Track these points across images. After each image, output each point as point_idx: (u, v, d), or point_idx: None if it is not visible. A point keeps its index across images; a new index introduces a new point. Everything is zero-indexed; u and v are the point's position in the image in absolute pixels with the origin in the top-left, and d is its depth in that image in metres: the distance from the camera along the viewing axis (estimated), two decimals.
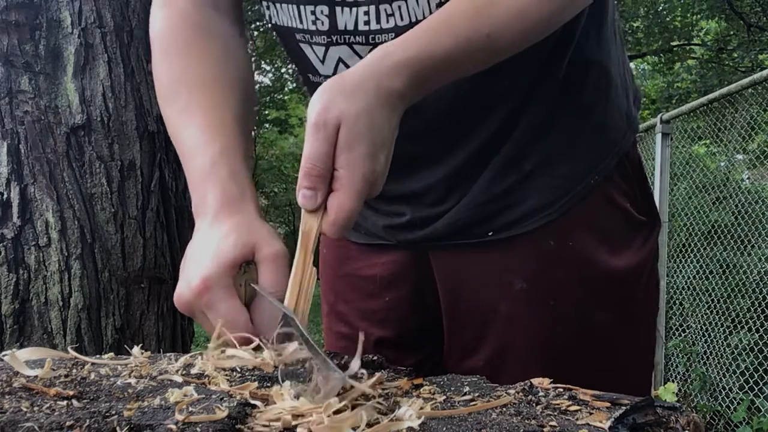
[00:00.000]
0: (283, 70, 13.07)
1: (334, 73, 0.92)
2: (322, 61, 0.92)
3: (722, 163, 4.62)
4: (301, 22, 0.90)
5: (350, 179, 0.68)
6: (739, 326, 4.02)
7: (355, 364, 0.60)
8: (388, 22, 0.86)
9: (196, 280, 0.71)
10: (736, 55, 9.66)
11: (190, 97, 0.86)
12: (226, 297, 0.71)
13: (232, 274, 0.72)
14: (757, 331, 3.84)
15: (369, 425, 0.50)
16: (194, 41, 0.90)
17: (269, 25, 0.95)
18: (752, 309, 3.93)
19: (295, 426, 0.49)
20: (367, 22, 0.87)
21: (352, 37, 0.88)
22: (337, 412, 0.52)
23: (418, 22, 0.84)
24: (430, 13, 0.84)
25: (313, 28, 0.89)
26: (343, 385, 0.56)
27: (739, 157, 4.60)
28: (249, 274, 0.73)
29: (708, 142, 4.54)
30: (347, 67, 0.90)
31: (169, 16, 0.93)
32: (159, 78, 0.91)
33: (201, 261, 0.72)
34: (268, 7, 0.93)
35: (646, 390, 1.04)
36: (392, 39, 0.86)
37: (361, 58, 0.89)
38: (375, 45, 0.87)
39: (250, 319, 0.71)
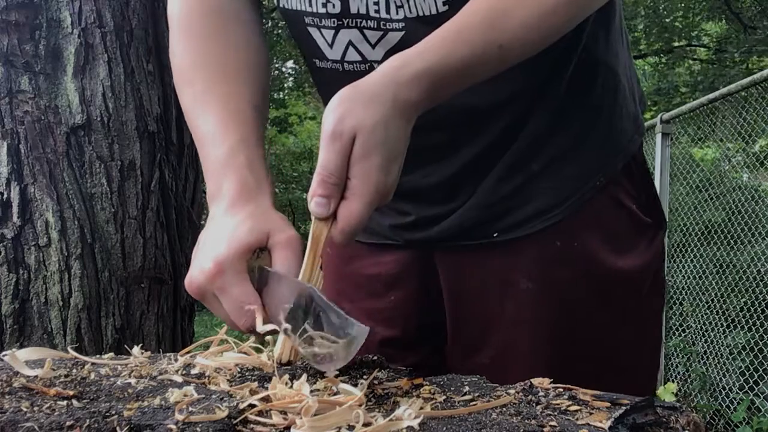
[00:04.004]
0: (283, 69, 13.06)
1: (343, 57, 0.92)
2: (331, 45, 0.92)
3: (723, 164, 4.62)
4: (311, 5, 0.90)
5: (362, 189, 0.69)
6: (739, 326, 4.02)
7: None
8: (397, 13, 0.87)
9: (209, 264, 0.71)
10: (737, 58, 9.64)
11: (208, 82, 0.87)
12: (238, 281, 0.71)
13: (245, 258, 0.72)
14: (757, 330, 3.84)
15: (366, 425, 0.50)
16: (213, 24, 0.91)
17: (279, 10, 0.95)
18: (751, 308, 3.93)
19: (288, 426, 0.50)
20: (377, 11, 0.87)
21: (363, 21, 0.88)
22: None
23: (425, 16, 0.85)
24: (437, 8, 0.85)
25: (323, 11, 0.89)
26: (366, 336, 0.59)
27: (738, 157, 4.60)
28: (262, 260, 0.74)
29: (705, 140, 4.53)
30: (356, 50, 0.91)
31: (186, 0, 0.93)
32: (176, 61, 0.91)
33: (215, 245, 0.73)
34: None
35: (650, 391, 1.04)
36: (401, 29, 0.87)
37: (370, 43, 0.90)
38: (385, 31, 0.88)
39: (262, 304, 0.71)
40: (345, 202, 0.70)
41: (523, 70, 0.86)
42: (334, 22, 0.89)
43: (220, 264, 0.71)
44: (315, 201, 0.69)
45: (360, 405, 0.55)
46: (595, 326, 0.96)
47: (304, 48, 0.97)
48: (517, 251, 0.95)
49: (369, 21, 0.88)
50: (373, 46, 0.90)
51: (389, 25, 0.88)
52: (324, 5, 0.89)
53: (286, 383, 0.59)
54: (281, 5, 0.93)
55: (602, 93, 0.96)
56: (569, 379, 0.67)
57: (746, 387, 3.82)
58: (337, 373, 0.68)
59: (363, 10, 0.87)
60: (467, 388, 0.65)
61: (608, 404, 0.57)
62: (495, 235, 0.96)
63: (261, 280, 0.73)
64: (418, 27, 0.85)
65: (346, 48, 0.91)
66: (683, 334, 4.50)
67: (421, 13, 0.86)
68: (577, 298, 0.95)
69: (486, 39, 0.76)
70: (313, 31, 0.92)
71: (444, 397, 0.62)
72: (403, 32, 0.87)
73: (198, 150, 0.85)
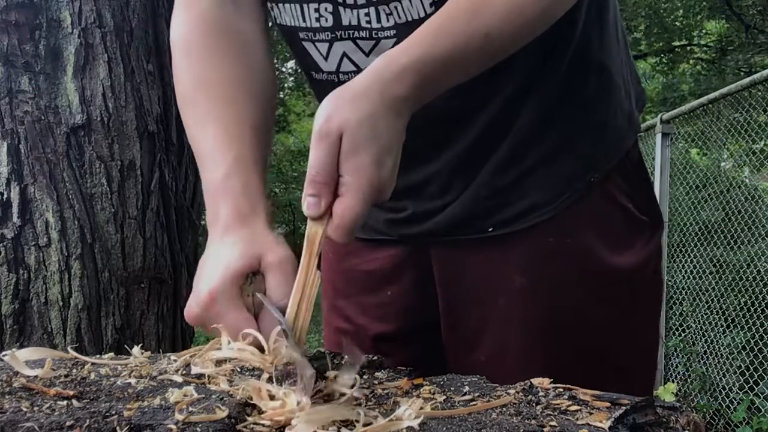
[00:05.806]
0: (283, 69, 13.07)
1: (338, 68, 0.93)
2: (326, 58, 0.94)
3: (723, 164, 4.62)
4: (304, 21, 0.92)
5: (355, 184, 0.69)
6: (738, 326, 4.02)
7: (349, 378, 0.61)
8: (388, 21, 0.88)
9: (204, 293, 0.73)
10: (739, 57, 9.62)
11: (209, 104, 0.87)
12: (232, 308, 0.72)
13: (238, 284, 0.73)
14: (757, 330, 3.84)
15: (366, 425, 0.50)
16: (214, 43, 0.91)
17: (276, 26, 0.97)
18: (751, 308, 3.93)
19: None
20: (368, 21, 0.89)
21: (356, 32, 0.90)
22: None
23: (414, 20, 0.86)
24: (425, 11, 0.86)
25: (316, 25, 0.91)
26: (314, 380, 0.58)
27: (737, 157, 4.60)
28: (256, 285, 0.74)
29: (705, 141, 4.53)
30: (351, 62, 0.92)
31: (189, 19, 0.93)
32: (179, 83, 0.92)
33: (209, 275, 0.74)
34: (272, 8, 0.94)
35: (647, 391, 1.03)
36: (393, 36, 0.88)
37: (364, 52, 0.91)
38: (378, 39, 0.89)
39: (258, 329, 0.72)
40: (339, 199, 0.69)
41: (514, 64, 0.86)
42: (327, 35, 0.91)
43: (213, 293, 0.72)
44: (306, 201, 0.70)
45: (355, 403, 0.55)
46: (590, 324, 0.96)
47: (300, 62, 0.98)
48: (510, 247, 0.96)
49: (361, 31, 0.90)
50: (367, 55, 0.91)
51: (381, 34, 0.89)
52: (317, 20, 0.90)
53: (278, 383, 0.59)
54: (278, 22, 0.95)
55: (596, 90, 0.97)
56: (564, 375, 0.67)
57: (746, 387, 3.82)
58: (336, 373, 0.68)
59: (354, 22, 0.89)
60: (467, 388, 0.65)
61: (608, 404, 0.57)
62: (489, 230, 0.96)
63: (257, 305, 0.74)
64: (409, 31, 0.86)
65: (341, 59, 0.93)
66: (683, 334, 4.50)
67: (410, 18, 0.87)
68: (571, 294, 0.95)
69: (469, 29, 0.76)
70: (308, 45, 0.94)
71: (444, 397, 0.62)
72: (395, 38, 0.88)
73: (200, 173, 0.86)
